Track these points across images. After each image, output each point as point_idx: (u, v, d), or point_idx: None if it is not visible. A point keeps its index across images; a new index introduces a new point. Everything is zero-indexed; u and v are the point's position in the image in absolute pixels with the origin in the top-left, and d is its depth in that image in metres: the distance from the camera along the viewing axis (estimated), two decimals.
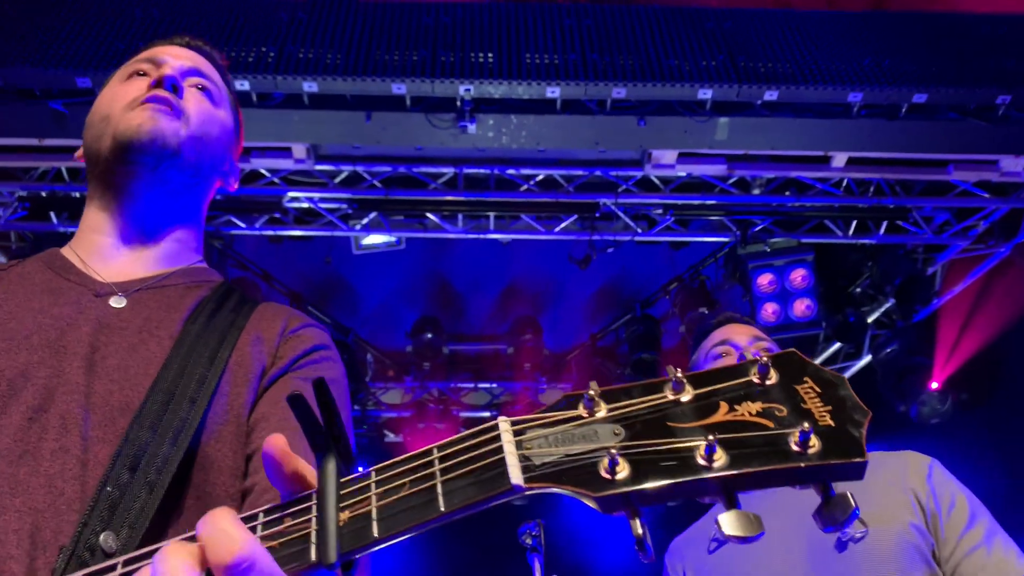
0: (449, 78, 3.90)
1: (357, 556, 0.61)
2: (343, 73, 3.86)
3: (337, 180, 4.68)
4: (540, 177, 4.74)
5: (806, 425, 0.55)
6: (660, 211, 4.96)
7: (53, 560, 0.85)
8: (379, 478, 0.64)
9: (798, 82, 4.07)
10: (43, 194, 4.55)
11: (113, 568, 0.67)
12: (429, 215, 4.83)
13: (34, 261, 1.19)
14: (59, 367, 0.99)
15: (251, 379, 1.07)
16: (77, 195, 4.58)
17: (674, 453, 0.58)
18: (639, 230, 4.97)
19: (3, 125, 4.02)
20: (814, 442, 0.54)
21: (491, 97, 4.02)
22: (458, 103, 4.00)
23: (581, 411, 0.63)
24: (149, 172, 1.18)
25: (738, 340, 1.88)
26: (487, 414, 6.17)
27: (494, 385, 6.15)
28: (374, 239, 5.09)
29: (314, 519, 0.62)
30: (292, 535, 0.62)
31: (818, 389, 0.58)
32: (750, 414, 0.58)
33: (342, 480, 0.64)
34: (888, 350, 5.44)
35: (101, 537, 0.85)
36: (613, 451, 0.58)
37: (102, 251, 1.19)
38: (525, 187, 4.76)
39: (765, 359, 0.60)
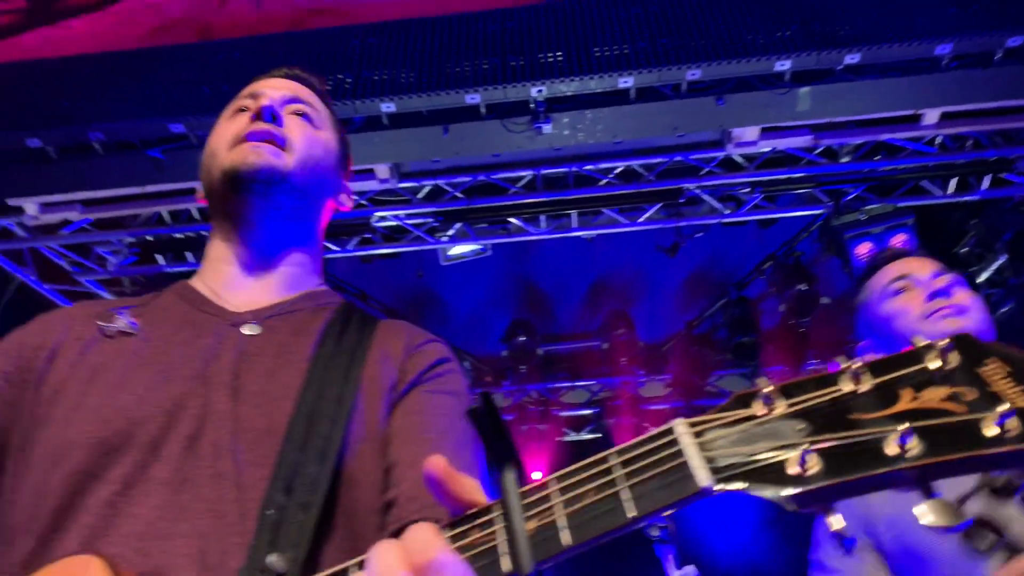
0: (520, 82, 3.91)
1: (548, 565, 0.62)
2: (417, 90, 3.92)
3: (420, 195, 4.77)
4: (619, 169, 4.71)
5: (1002, 408, 0.53)
6: (746, 190, 4.85)
7: None
8: (561, 486, 0.64)
9: (880, 41, 3.90)
10: (149, 238, 4.80)
11: None
12: (512, 219, 4.86)
13: (168, 294, 1.26)
14: (207, 396, 1.04)
15: (383, 395, 1.11)
16: (180, 236, 4.82)
17: (864, 445, 0.56)
18: (726, 211, 4.87)
19: (109, 177, 4.26)
20: (1014, 424, 0.53)
21: (564, 95, 4.02)
22: (531, 105, 4.01)
23: (759, 408, 0.63)
24: (261, 199, 1.22)
25: (919, 274, 1.74)
26: (588, 412, 6.17)
27: (592, 382, 6.13)
28: (460, 249, 5.16)
29: (499, 531, 0.63)
30: (479, 548, 0.64)
31: (1006, 369, 0.56)
32: (937, 400, 0.56)
33: (522, 490, 0.64)
34: (1004, 309, 5.17)
35: (269, 559, 0.89)
36: (801, 447, 0.57)
37: (229, 280, 1.25)
38: (605, 181, 4.74)
39: (945, 343, 0.58)
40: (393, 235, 5.03)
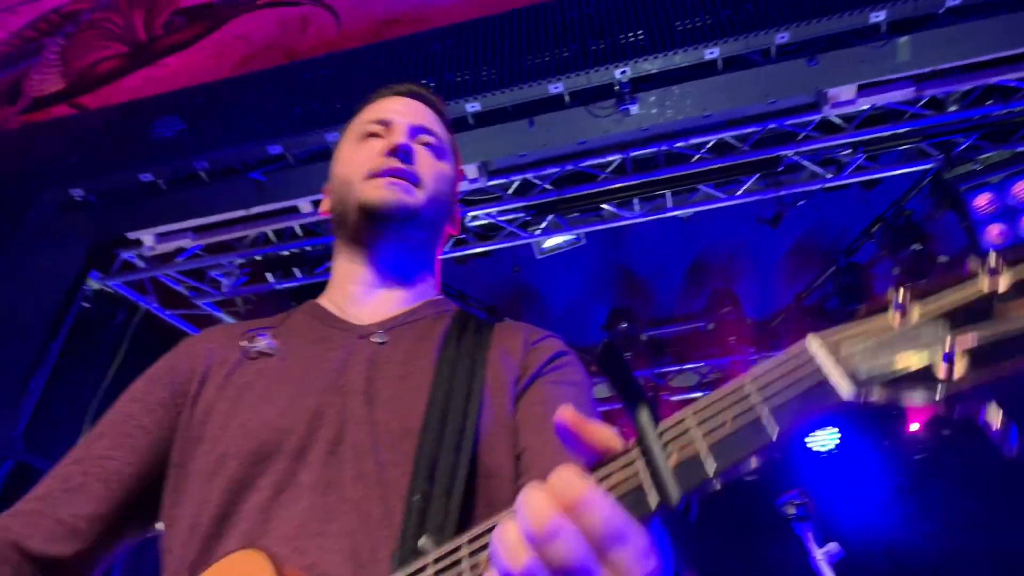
0: (602, 65, 3.86)
1: (696, 495, 0.61)
2: (500, 86, 3.93)
3: (510, 191, 4.78)
4: (711, 143, 4.59)
5: None
6: (847, 152, 4.64)
7: (376, 573, 0.93)
8: (698, 418, 0.63)
9: None
10: (257, 258, 5.00)
11: (458, 548, 0.70)
12: (604, 206, 4.81)
13: (299, 314, 1.34)
14: (344, 404, 1.10)
15: (508, 389, 1.15)
16: (286, 253, 5.00)
17: (1012, 336, 0.53)
18: (828, 176, 4.67)
19: (216, 203, 4.46)
20: None
21: (648, 74, 3.94)
22: (616, 87, 3.95)
23: (892, 316, 0.60)
24: (393, 233, 1.30)
25: None
26: (699, 394, 6.02)
27: (701, 364, 6.00)
28: (554, 240, 5.14)
29: (641, 468, 0.63)
30: (624, 487, 0.63)
31: None
32: None
33: (658, 428, 0.64)
34: None
35: (420, 542, 0.92)
36: (944, 348, 0.55)
37: (356, 298, 1.32)
38: (697, 157, 4.62)
39: None
40: (486, 233, 5.06)
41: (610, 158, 4.58)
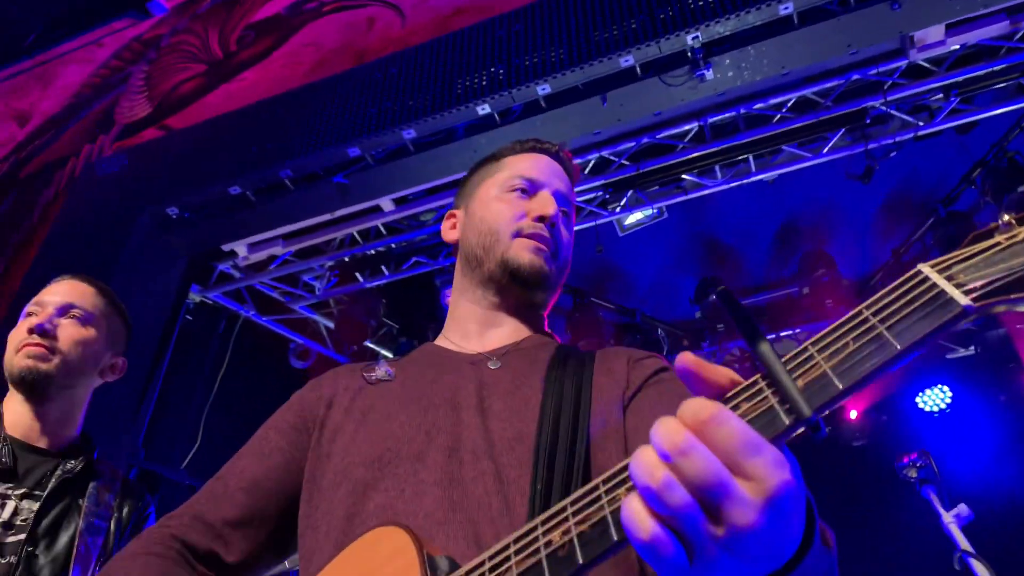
0: (673, 33, 3.76)
1: (826, 411, 0.64)
2: (570, 65, 3.89)
3: (587, 171, 4.74)
4: (792, 101, 4.42)
5: None
6: (939, 96, 4.39)
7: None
8: (818, 346, 0.66)
9: None
10: (346, 259, 5.13)
11: (595, 488, 0.72)
12: (685, 176, 4.71)
13: (416, 351, 1.47)
14: (458, 417, 1.18)
15: (615, 401, 1.22)
16: (372, 252, 5.10)
17: None
18: (920, 123, 4.44)
19: (302, 209, 4.59)
20: None
21: (721, 36, 3.82)
22: (688, 54, 3.85)
23: (999, 238, 0.64)
24: (527, 295, 1.41)
25: None
26: None
27: (798, 330, 5.82)
28: (636, 217, 5.08)
29: (769, 394, 0.65)
30: (753, 413, 0.65)
31: None
32: None
33: (781, 359, 0.66)
34: None
35: None
36: None
37: (470, 334, 1.43)
38: (778, 117, 4.46)
39: None
40: None
41: (687, 127, 4.48)
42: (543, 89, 3.94)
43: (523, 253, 1.37)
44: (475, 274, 1.44)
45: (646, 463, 0.63)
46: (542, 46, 4.00)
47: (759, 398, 0.66)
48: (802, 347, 0.67)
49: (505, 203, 1.43)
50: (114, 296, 2.13)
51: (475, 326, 1.42)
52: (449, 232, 1.54)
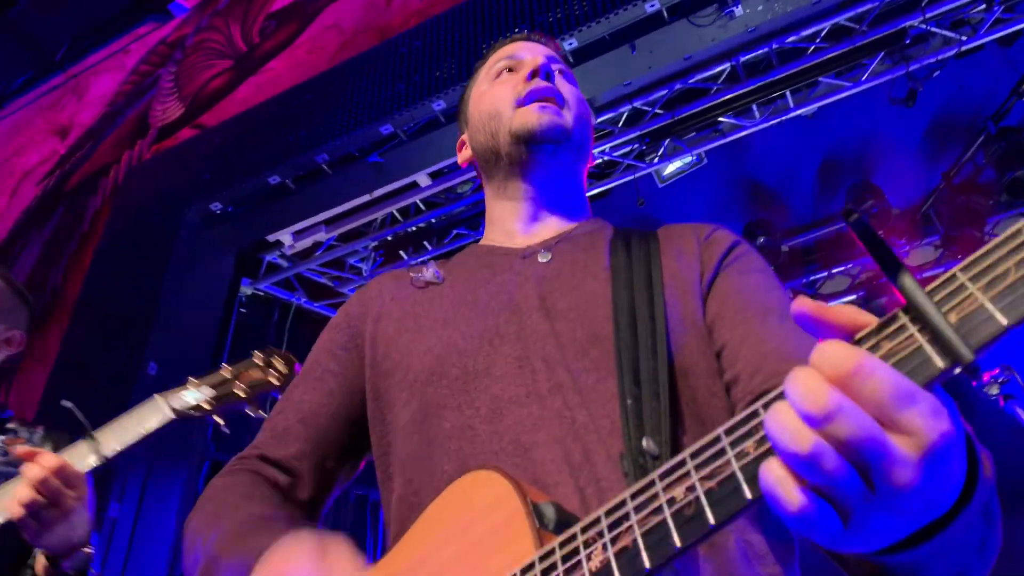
0: None
1: (986, 351, 0.54)
2: (594, 17, 3.82)
3: (620, 124, 4.67)
4: (826, 30, 4.28)
5: None
6: (980, 7, 4.21)
7: (593, 477, 0.93)
8: (968, 275, 0.56)
9: None
10: (388, 238, 5.16)
11: (716, 439, 0.65)
12: (722, 119, 4.61)
13: (461, 254, 1.37)
14: (521, 321, 1.10)
15: (691, 287, 1.12)
16: (413, 229, 5.13)
17: None
18: (962, 39, 4.26)
19: (341, 192, 4.62)
20: None
21: None
22: None
23: None
24: (549, 157, 1.29)
25: None
26: (853, 297, 5.74)
27: (850, 266, 5.69)
28: (674, 166, 5.00)
29: (915, 333, 0.56)
30: (899, 356, 0.56)
31: None
32: None
33: (926, 290, 0.57)
34: None
35: (643, 443, 0.92)
36: None
37: (515, 231, 1.34)
38: (813, 48, 4.33)
39: None
40: (603, 172, 4.98)
41: (719, 68, 4.38)
42: (570, 44, 3.88)
43: (529, 115, 1.28)
44: (497, 169, 1.35)
45: (789, 427, 0.56)
46: (564, 1, 3.93)
47: (903, 337, 0.57)
48: (949, 274, 0.57)
49: (496, 86, 1.36)
50: (5, 271, 2.13)
51: (517, 222, 1.33)
52: (463, 153, 1.46)
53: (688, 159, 4.91)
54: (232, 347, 4.84)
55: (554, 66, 1.38)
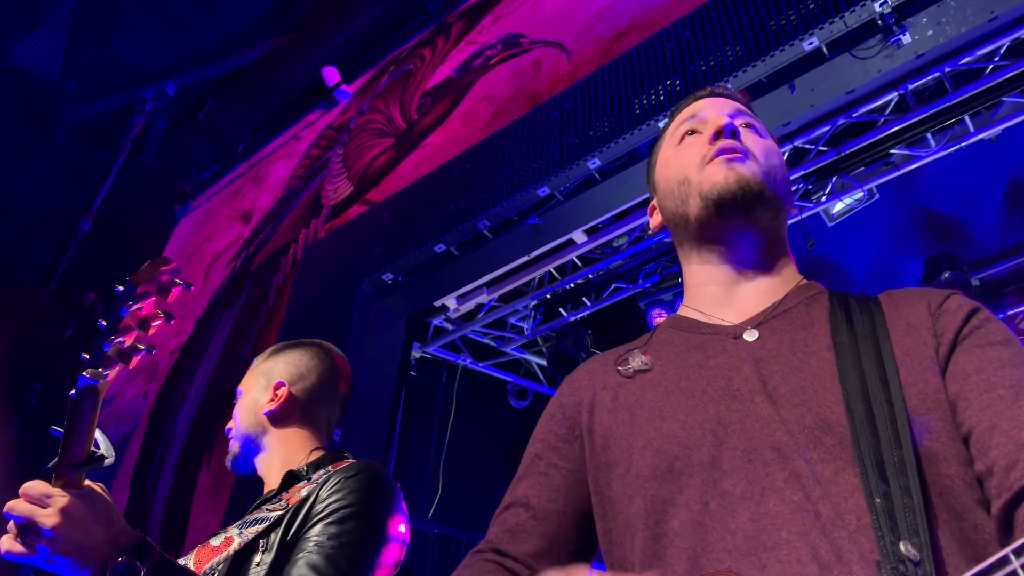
0: (858, 3, 3.54)
1: None
2: (749, 61, 3.76)
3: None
4: (1005, 46, 3.99)
5: None
6: None
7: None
8: None
9: None
10: (547, 296, 5.23)
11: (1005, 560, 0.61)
12: (893, 151, 4.37)
13: (663, 329, 1.31)
14: (743, 408, 1.03)
15: (928, 365, 1.02)
16: (571, 286, 5.17)
17: None
18: None
19: (501, 255, 4.74)
20: None
21: None
22: (879, 21, 3.60)
23: None
24: (741, 216, 1.23)
25: None
26: None
27: None
28: (843, 203, 4.77)
29: None
30: None
31: None
32: None
33: None
34: None
35: (901, 547, 0.84)
36: None
37: (718, 299, 1.26)
38: (991, 67, 4.04)
39: None
40: None
41: (887, 97, 4.16)
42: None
43: (715, 173, 1.22)
44: (688, 233, 1.30)
45: None
46: (716, 48, 3.91)
47: None
48: None
49: (679, 152, 1.32)
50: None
51: (718, 288, 1.26)
52: (654, 219, 1.41)
53: (859, 195, 4.66)
54: (405, 409, 5.04)
55: (739, 121, 1.32)
